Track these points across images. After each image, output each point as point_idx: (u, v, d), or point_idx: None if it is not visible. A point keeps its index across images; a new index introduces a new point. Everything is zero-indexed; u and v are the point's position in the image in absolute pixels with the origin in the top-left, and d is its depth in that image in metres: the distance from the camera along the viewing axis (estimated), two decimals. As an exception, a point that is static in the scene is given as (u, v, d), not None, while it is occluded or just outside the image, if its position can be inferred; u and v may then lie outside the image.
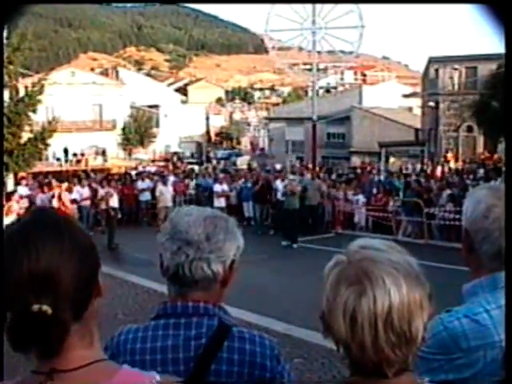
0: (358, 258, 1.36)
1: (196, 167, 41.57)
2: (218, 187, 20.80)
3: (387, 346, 1.29)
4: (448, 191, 18.13)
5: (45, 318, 1.17)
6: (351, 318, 1.30)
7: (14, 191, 19.51)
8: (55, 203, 18.47)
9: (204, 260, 1.74)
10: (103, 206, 18.37)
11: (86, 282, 1.27)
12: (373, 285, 1.30)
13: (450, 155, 34.42)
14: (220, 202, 20.21)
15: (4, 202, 16.39)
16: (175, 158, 53.59)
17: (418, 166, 27.75)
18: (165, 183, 21.04)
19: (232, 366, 1.72)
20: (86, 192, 20.64)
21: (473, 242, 1.87)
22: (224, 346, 1.72)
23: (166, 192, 20.33)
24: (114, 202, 18.06)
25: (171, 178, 23.51)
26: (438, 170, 26.75)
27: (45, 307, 1.17)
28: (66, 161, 48.08)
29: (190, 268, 1.74)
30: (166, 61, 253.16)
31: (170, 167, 36.96)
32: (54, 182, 22.02)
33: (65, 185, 20.17)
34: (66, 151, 49.16)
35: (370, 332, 1.28)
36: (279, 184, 19.62)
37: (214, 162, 51.80)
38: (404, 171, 25.92)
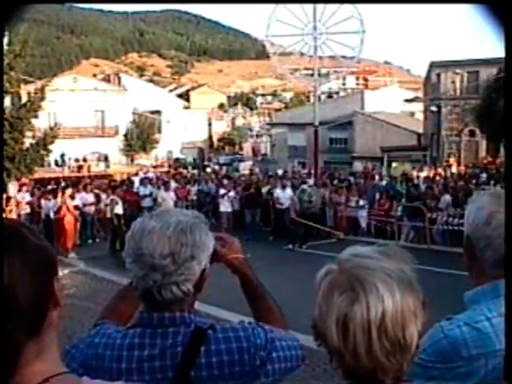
0: (350, 265, 1.35)
1: (195, 171, 41.70)
2: (223, 191, 20.74)
3: (381, 353, 1.27)
4: (447, 196, 18.12)
5: None
6: (344, 325, 1.29)
7: (14, 197, 19.59)
8: (61, 210, 18.48)
9: (172, 283, 1.69)
10: (108, 214, 18.32)
11: (40, 296, 1.22)
12: (366, 291, 1.28)
13: (452, 160, 34.43)
14: (226, 207, 20.19)
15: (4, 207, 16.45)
16: (177, 165, 53.51)
17: (423, 174, 27.60)
18: (167, 189, 21.04)
19: (212, 369, 1.69)
20: (91, 198, 20.62)
21: (474, 248, 1.83)
22: (201, 351, 1.70)
23: (167, 198, 20.30)
24: (119, 209, 18.02)
25: (173, 184, 23.50)
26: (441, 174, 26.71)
27: None
28: (61, 165, 47.69)
29: (160, 292, 1.70)
30: (168, 67, 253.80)
31: (172, 172, 36.95)
32: (58, 188, 22.09)
33: (68, 191, 20.15)
34: (62, 156, 48.60)
35: (363, 339, 1.27)
36: (280, 192, 19.52)
37: (216, 167, 51.74)
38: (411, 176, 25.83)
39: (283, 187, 19.79)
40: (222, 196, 20.40)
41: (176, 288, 1.70)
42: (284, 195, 19.26)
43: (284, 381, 1.86)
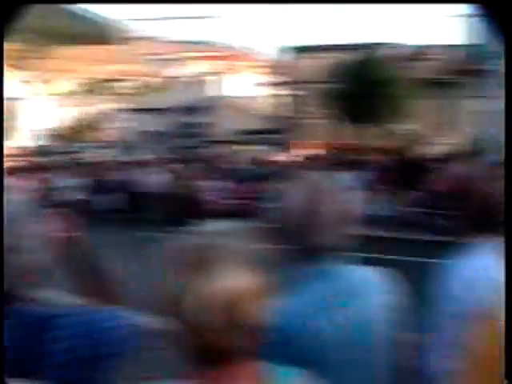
0: (197, 243, 1.37)
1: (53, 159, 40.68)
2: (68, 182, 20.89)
3: (227, 332, 1.29)
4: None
5: None
6: (189, 303, 1.29)
7: None
8: None
9: None
10: None
11: None
12: (211, 270, 1.30)
13: (309, 143, 35.37)
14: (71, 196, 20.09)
15: None
16: (30, 153, 51.94)
17: (281, 157, 28.04)
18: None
19: None
20: None
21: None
22: None
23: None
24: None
25: (23, 174, 22.76)
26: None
27: None
28: None
29: None
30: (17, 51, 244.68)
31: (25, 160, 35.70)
32: None
33: None
34: None
35: (209, 318, 1.28)
36: (154, 177, 19.84)
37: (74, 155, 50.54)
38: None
39: (156, 173, 20.09)
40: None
41: None
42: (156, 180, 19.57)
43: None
